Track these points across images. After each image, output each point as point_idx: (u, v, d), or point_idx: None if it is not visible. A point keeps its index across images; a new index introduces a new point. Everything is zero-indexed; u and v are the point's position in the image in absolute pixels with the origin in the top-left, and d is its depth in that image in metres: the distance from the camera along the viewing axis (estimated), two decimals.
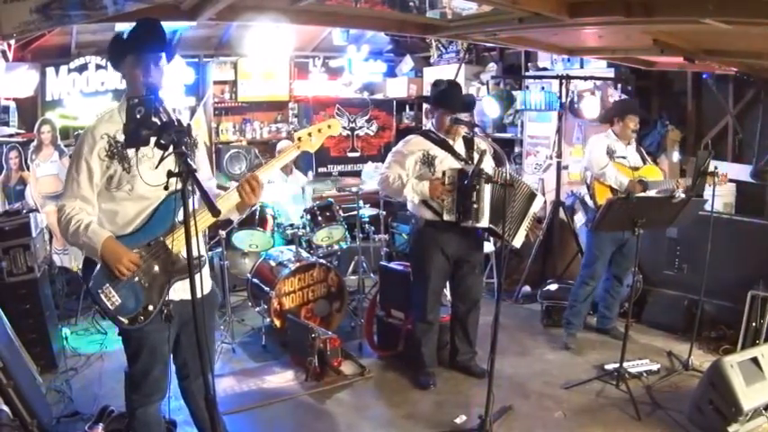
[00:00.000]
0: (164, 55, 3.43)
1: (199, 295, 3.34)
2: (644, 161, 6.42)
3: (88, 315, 7.14)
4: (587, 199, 6.46)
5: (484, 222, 5.21)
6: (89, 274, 3.34)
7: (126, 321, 3.34)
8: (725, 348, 6.02)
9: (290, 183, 7.91)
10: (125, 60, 3.40)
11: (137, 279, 3.32)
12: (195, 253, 3.16)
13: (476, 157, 5.36)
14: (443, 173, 5.27)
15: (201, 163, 3.71)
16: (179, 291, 3.44)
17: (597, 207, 6.21)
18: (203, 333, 2.85)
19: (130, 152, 3.31)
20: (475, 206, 5.15)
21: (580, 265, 6.78)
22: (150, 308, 3.36)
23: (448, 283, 5.96)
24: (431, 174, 5.34)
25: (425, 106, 10.35)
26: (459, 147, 5.50)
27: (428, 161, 5.37)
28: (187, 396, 3.82)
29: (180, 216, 3.24)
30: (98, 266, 3.29)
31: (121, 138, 3.25)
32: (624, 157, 6.28)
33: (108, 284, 3.30)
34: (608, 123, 6.57)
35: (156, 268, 3.37)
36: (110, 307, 3.31)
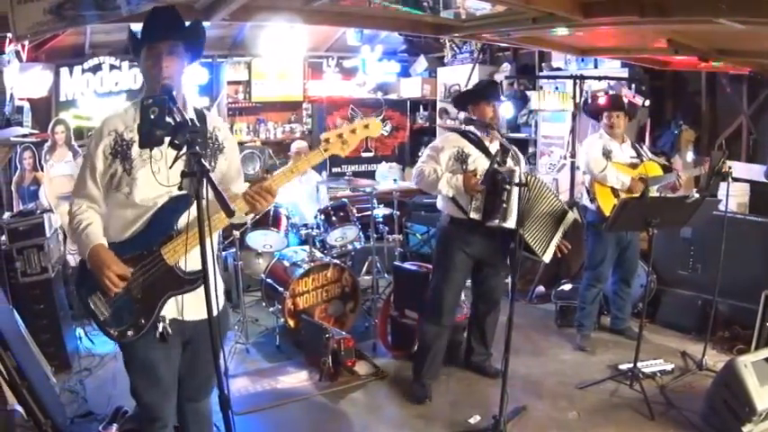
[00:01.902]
0: (181, 45, 3.14)
1: (189, 317, 3.20)
2: (641, 158, 6.37)
3: None
4: (587, 202, 6.43)
5: (510, 223, 5.12)
6: (81, 278, 3.18)
7: (115, 334, 3.13)
8: (739, 348, 6.00)
9: (304, 182, 7.93)
10: (140, 55, 3.12)
11: (129, 290, 3.07)
12: (197, 267, 2.91)
13: (510, 162, 5.33)
14: (475, 169, 5.21)
15: (231, 167, 3.40)
16: (172, 309, 3.16)
17: (599, 210, 6.20)
18: (212, 353, 2.54)
19: (134, 153, 3.09)
20: (504, 206, 5.05)
21: (584, 268, 6.78)
22: (142, 322, 3.11)
23: (468, 283, 5.95)
24: (462, 170, 5.27)
25: (439, 106, 10.42)
26: (494, 150, 5.40)
27: (461, 158, 5.31)
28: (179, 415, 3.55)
29: (180, 224, 3.10)
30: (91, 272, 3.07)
31: (129, 136, 3.10)
32: (637, 157, 6.28)
33: (98, 292, 3.10)
34: (595, 120, 6.54)
35: (150, 280, 3.09)
36: (99, 317, 3.14)
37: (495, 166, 5.20)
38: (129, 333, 3.12)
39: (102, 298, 3.11)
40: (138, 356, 3.22)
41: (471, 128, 5.49)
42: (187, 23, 3.24)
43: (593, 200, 6.26)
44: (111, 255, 3.03)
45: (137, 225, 3.12)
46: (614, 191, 6.14)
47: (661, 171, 6.34)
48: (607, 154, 6.20)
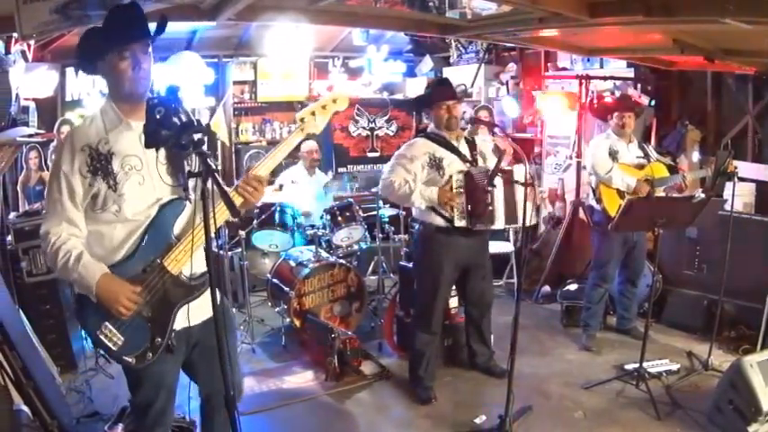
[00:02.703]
0: (150, 42, 2.99)
1: (195, 321, 3.10)
2: (648, 158, 6.36)
3: None
4: (593, 202, 6.42)
5: (499, 224, 5.11)
6: (83, 312, 3.01)
7: (133, 361, 3.00)
8: (745, 348, 5.99)
9: (312, 183, 7.94)
10: (105, 58, 2.95)
11: (138, 312, 2.95)
12: (199, 270, 3.03)
13: (479, 158, 5.29)
14: (450, 177, 5.11)
15: None
16: (181, 318, 3.08)
17: (604, 210, 6.20)
18: (222, 354, 2.56)
19: (115, 167, 2.92)
20: (490, 208, 5.04)
21: (590, 268, 6.78)
22: (158, 340, 3.01)
23: (459, 289, 5.92)
24: (440, 176, 5.18)
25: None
26: (463, 148, 5.37)
27: (436, 164, 5.22)
28: (205, 424, 3.58)
29: (176, 231, 3.02)
30: (93, 303, 2.92)
31: (105, 148, 2.93)
32: (644, 157, 6.26)
33: (107, 323, 2.95)
34: (602, 120, 6.52)
35: (158, 295, 2.99)
36: (113, 348, 2.97)
37: (468, 167, 5.16)
38: (149, 356, 3.02)
39: (112, 327, 2.97)
40: (148, 373, 3.12)
41: (434, 129, 5.44)
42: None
43: (598, 200, 6.25)
44: (123, 282, 2.91)
45: (129, 242, 3.00)
46: (620, 192, 6.12)
47: (667, 172, 6.33)
48: (613, 155, 6.19)
